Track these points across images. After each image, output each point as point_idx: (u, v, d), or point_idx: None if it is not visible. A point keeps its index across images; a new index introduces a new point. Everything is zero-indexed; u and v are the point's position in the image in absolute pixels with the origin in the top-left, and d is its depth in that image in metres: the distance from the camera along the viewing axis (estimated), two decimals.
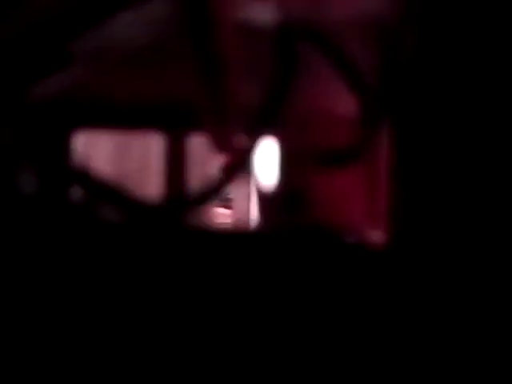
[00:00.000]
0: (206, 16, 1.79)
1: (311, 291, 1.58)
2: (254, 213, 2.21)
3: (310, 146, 2.11)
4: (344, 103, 2.27)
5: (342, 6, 2.06)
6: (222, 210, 2.42)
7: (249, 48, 1.96)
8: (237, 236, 1.67)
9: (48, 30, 1.79)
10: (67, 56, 1.82)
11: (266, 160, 2.14)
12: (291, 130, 2.11)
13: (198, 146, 2.24)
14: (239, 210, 2.27)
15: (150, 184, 2.32)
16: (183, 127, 2.17)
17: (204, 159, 2.24)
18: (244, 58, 1.95)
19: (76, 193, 1.87)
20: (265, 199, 2.09)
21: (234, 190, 2.35)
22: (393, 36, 2.29)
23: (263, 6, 1.96)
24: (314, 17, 2.02)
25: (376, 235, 2.29)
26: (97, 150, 2.32)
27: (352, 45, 2.21)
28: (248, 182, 2.10)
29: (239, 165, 1.89)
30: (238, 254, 1.60)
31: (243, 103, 1.96)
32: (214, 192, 1.83)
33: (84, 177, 1.86)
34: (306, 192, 2.08)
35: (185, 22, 1.82)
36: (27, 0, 1.78)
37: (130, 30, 1.92)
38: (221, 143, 2.00)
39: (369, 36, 2.24)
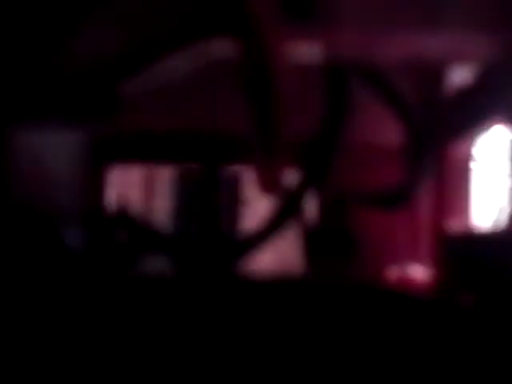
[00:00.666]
0: (262, 55, 1.76)
1: (359, 343, 1.54)
2: (299, 255, 2.15)
3: (360, 186, 2.06)
4: (389, 137, 2.23)
5: (389, 46, 2.03)
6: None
7: (300, 86, 1.93)
8: (285, 285, 1.62)
9: (103, 68, 1.76)
10: (117, 101, 1.79)
11: (313, 198, 2.09)
12: (340, 165, 2.07)
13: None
14: (285, 252, 2.22)
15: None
16: (227, 163, 2.12)
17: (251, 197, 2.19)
18: (295, 95, 1.92)
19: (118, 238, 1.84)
20: (311, 240, 2.04)
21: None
22: (434, 74, 2.25)
23: (315, 45, 1.93)
24: (363, 55, 1.99)
25: (418, 271, 2.23)
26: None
27: (398, 81, 2.18)
28: (295, 224, 2.04)
29: (290, 208, 1.84)
30: (286, 303, 1.55)
31: (294, 140, 1.92)
32: (265, 237, 1.77)
33: (125, 220, 1.82)
34: (353, 231, 2.03)
35: (240, 60, 1.78)
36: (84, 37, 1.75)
37: (182, 66, 1.89)
38: (269, 181, 1.95)
39: (412, 74, 2.21)
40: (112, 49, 1.73)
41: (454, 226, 2.36)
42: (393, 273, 2.21)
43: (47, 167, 1.73)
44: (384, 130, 2.23)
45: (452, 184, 2.44)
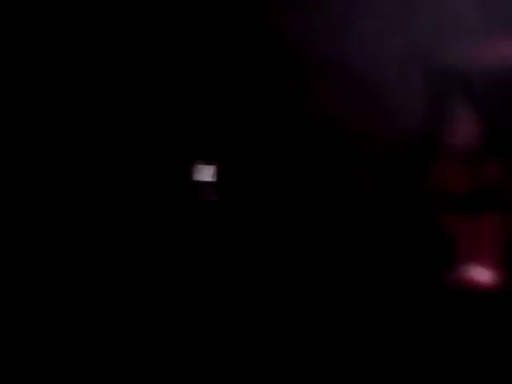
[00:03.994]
0: None
1: None
2: None
3: (439, 189, 2.02)
4: (468, 139, 2.18)
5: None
6: None
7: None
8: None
9: None
10: None
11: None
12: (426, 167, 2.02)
13: None
14: None
15: None
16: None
17: None
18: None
19: None
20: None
21: None
22: None
23: None
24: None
25: (483, 274, 2.19)
26: None
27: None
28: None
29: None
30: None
31: (392, 139, 1.87)
32: None
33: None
34: (447, 235, 2.00)
35: None
36: None
37: None
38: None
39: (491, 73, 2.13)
40: None
41: None
42: (455, 275, 2.17)
43: None
44: (466, 131, 2.17)
45: None
